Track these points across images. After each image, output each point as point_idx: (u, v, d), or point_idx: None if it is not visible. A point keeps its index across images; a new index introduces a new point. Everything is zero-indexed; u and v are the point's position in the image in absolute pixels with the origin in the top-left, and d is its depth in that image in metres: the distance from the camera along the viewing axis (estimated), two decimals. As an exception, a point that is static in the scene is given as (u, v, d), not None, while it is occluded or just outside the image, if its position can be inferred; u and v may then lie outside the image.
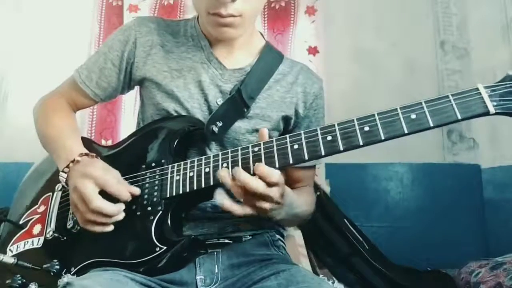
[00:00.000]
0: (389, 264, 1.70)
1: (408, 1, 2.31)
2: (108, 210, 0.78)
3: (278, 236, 1.00)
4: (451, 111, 0.67)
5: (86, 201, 0.77)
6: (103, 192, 0.79)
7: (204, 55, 0.95)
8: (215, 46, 0.96)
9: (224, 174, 0.73)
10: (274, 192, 0.72)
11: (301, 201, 0.91)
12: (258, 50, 0.99)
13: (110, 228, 0.79)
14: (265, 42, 1.02)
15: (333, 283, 0.79)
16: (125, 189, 0.80)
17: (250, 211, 0.73)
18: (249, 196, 0.72)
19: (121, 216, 0.79)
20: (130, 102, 2.24)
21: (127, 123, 2.24)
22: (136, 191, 0.82)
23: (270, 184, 0.71)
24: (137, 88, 1.03)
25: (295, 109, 0.98)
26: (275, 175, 0.71)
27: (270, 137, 0.80)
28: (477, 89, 0.67)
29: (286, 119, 0.98)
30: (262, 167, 0.72)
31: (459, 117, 0.67)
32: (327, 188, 1.90)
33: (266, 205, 0.73)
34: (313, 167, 1.04)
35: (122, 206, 0.79)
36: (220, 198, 0.73)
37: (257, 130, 0.93)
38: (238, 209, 0.73)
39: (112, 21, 2.38)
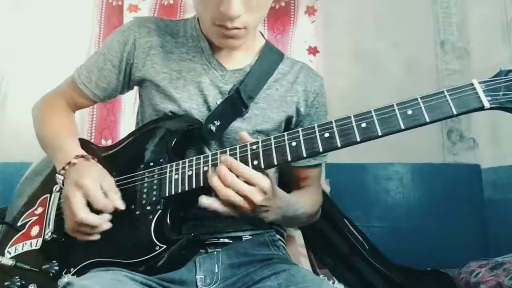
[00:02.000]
0: (389, 264, 1.69)
1: (408, 1, 2.30)
2: (93, 222, 0.78)
3: (278, 236, 1.00)
4: (446, 106, 0.68)
5: (73, 213, 0.77)
6: None
7: (204, 57, 0.95)
8: (215, 47, 0.96)
9: (212, 175, 0.75)
10: (250, 192, 0.73)
11: (303, 203, 0.91)
12: (258, 50, 0.99)
13: (96, 237, 0.80)
14: (265, 41, 1.02)
15: (333, 283, 0.79)
16: (110, 205, 0.80)
17: (229, 210, 0.74)
18: (228, 193, 0.73)
19: (106, 226, 0.79)
20: (130, 101, 2.24)
21: (127, 122, 2.24)
22: (120, 207, 0.81)
23: (244, 180, 0.72)
24: (137, 87, 1.03)
25: (296, 108, 0.98)
26: (240, 168, 0.73)
27: None
28: (472, 84, 0.68)
29: (288, 119, 0.98)
30: (227, 158, 0.74)
31: (455, 112, 0.67)
32: (327, 188, 1.89)
33: (246, 205, 0.74)
34: (319, 165, 1.04)
35: (106, 217, 0.80)
36: (202, 199, 0.75)
37: (257, 131, 0.93)
38: (219, 206, 0.74)
39: (112, 21, 2.38)
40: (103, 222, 0.79)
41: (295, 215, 0.89)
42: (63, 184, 0.84)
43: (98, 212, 0.79)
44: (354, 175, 2.14)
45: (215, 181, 0.73)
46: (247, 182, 0.73)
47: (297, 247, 1.47)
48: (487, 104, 0.66)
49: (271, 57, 0.99)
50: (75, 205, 0.77)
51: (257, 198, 0.74)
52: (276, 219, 0.83)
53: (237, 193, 0.73)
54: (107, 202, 0.80)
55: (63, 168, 0.84)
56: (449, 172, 2.13)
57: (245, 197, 0.73)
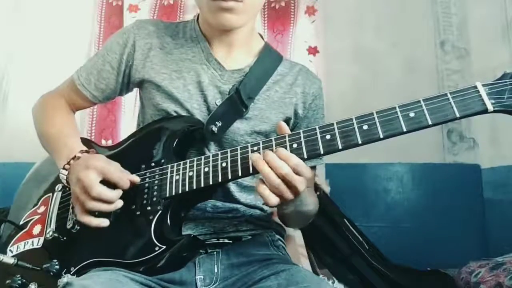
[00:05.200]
0: (389, 264, 1.70)
1: (408, 1, 2.31)
2: (108, 196, 0.78)
3: (278, 236, 1.00)
4: (449, 109, 0.67)
5: (87, 189, 0.77)
6: (104, 182, 0.80)
7: (203, 56, 0.95)
8: (215, 46, 0.96)
9: (257, 157, 0.73)
10: (299, 182, 0.71)
11: (310, 200, 0.92)
12: (257, 51, 1.00)
13: (106, 223, 0.79)
14: (264, 43, 1.02)
15: (333, 283, 0.79)
16: (126, 177, 0.81)
17: (276, 200, 0.72)
18: (277, 181, 0.71)
19: (119, 203, 0.80)
20: (130, 102, 2.24)
21: (127, 123, 2.24)
22: (136, 179, 0.83)
23: (294, 170, 0.71)
24: (137, 89, 1.03)
25: (294, 110, 0.98)
26: (293, 159, 0.71)
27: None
28: (476, 87, 0.67)
29: (285, 121, 0.98)
30: (282, 150, 0.72)
31: (458, 115, 0.67)
32: (327, 188, 1.90)
33: (288, 194, 0.72)
34: (314, 168, 1.04)
35: (120, 192, 0.80)
36: (258, 183, 0.72)
37: (256, 132, 0.94)
38: (272, 198, 0.71)
39: (112, 21, 2.38)
40: (118, 197, 0.79)
41: (305, 210, 0.89)
42: (66, 181, 0.84)
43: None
44: (354, 175, 2.14)
45: (265, 169, 0.71)
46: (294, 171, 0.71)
47: (297, 247, 1.48)
48: (490, 107, 0.66)
49: (270, 58, 0.99)
50: (90, 181, 0.77)
51: (302, 187, 0.72)
52: (290, 211, 0.84)
53: (283, 180, 0.71)
54: (123, 175, 0.81)
55: (68, 163, 0.84)
56: (449, 172, 2.13)
57: (290, 186, 0.71)
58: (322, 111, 1.03)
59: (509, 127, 1.78)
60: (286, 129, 0.77)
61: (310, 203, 0.92)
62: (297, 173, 0.71)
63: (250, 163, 0.75)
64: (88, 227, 0.80)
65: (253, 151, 0.76)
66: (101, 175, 0.79)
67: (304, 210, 0.88)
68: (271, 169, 0.71)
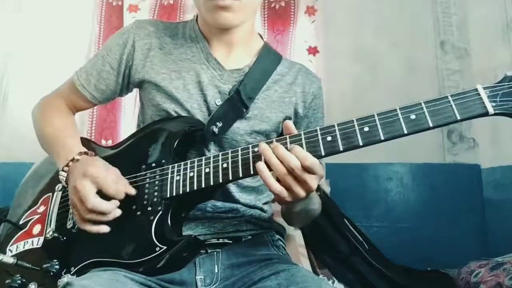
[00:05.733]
0: (389, 264, 1.69)
1: (408, 1, 2.31)
2: (103, 208, 0.78)
3: (278, 236, 1.00)
4: (450, 111, 0.68)
5: (83, 201, 0.78)
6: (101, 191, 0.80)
7: (203, 56, 0.96)
8: (214, 46, 0.96)
9: (265, 147, 0.73)
10: (310, 178, 0.71)
11: (316, 199, 0.92)
12: (256, 51, 1.00)
13: (106, 229, 0.80)
14: (263, 43, 1.03)
15: (333, 283, 0.80)
16: (122, 191, 0.81)
17: (283, 190, 0.72)
18: (286, 175, 0.71)
19: (117, 212, 0.80)
20: (130, 102, 2.24)
21: (127, 123, 2.24)
22: (132, 192, 0.83)
23: (305, 169, 0.70)
24: (136, 89, 1.03)
25: (294, 109, 0.98)
26: (309, 158, 0.70)
27: (269, 138, 0.80)
28: (476, 89, 0.68)
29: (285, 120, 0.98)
30: (298, 148, 0.71)
31: (459, 118, 0.67)
32: (327, 188, 1.90)
33: (298, 188, 0.71)
34: None
35: (116, 203, 0.80)
36: (261, 165, 0.71)
37: (255, 131, 0.94)
38: (274, 183, 0.71)
39: (112, 21, 2.37)
40: (114, 208, 0.79)
41: (313, 209, 0.90)
42: (65, 182, 0.84)
43: (108, 200, 0.80)
44: (354, 175, 2.14)
45: (272, 158, 0.71)
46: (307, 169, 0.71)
47: (297, 247, 1.48)
48: (491, 110, 0.66)
49: (269, 58, 0.99)
50: (86, 193, 0.78)
51: (315, 184, 0.72)
52: (298, 210, 0.85)
53: (295, 178, 0.71)
54: (118, 187, 0.81)
55: (67, 165, 0.84)
56: (449, 172, 2.13)
57: (300, 181, 0.71)
58: (322, 110, 1.03)
59: (509, 128, 1.78)
60: (293, 128, 0.77)
61: (316, 202, 0.93)
62: (311, 171, 0.71)
63: (251, 163, 0.75)
64: None
65: (254, 152, 0.76)
66: (97, 186, 0.79)
67: (311, 208, 0.89)
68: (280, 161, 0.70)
